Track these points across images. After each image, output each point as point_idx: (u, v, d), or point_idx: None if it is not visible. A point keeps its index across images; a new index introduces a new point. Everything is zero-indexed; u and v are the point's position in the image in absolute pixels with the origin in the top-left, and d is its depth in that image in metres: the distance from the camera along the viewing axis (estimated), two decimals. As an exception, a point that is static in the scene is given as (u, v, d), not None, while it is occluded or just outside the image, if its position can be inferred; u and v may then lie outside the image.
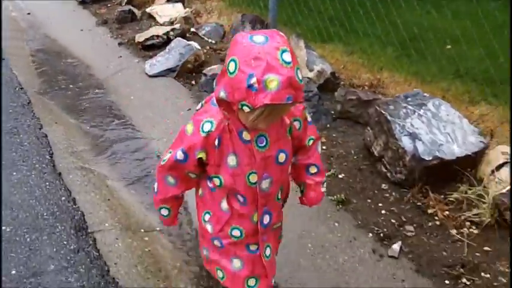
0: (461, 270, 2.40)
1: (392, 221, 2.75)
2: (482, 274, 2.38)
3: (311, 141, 1.73)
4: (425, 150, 2.87)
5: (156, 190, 1.76)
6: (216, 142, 1.54)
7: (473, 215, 2.65)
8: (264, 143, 1.56)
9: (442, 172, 2.86)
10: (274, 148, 1.58)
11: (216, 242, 1.75)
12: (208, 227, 1.74)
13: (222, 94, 1.40)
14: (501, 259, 2.44)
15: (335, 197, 2.90)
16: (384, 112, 3.15)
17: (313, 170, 1.79)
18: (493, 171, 2.74)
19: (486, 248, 2.52)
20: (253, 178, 1.59)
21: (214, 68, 4.40)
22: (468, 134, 2.96)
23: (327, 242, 2.60)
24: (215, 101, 1.49)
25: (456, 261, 2.46)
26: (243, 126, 1.52)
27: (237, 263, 1.75)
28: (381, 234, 2.63)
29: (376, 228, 2.68)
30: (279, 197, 1.70)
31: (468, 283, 2.33)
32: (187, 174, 1.67)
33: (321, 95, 3.85)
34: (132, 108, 4.10)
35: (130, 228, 2.73)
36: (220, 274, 1.80)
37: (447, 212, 2.74)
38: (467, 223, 2.67)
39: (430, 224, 2.71)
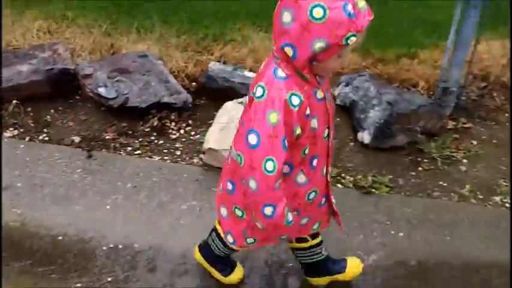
0: None
1: None
2: None
3: None
4: None
5: (272, 212, 1.50)
6: (308, 111, 1.45)
7: None
8: (329, 96, 1.58)
9: None
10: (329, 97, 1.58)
11: (291, 215, 1.60)
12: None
13: (320, 44, 1.30)
14: None
15: None
16: None
17: None
18: None
19: None
20: (326, 132, 1.59)
21: None
22: None
23: None
24: (281, 74, 1.41)
25: None
26: (316, 85, 1.48)
27: (303, 220, 1.76)
28: None
29: None
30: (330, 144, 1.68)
31: None
32: None
33: None
34: None
35: None
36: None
37: None
38: None
39: None
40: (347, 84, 3.29)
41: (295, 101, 1.40)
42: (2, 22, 3.74)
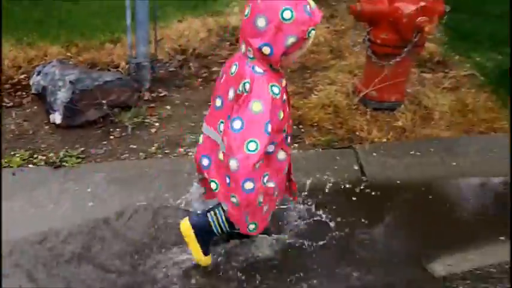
0: None
1: None
2: None
3: None
4: None
5: (252, 187, 1.72)
6: (284, 97, 1.77)
7: None
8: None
9: None
10: None
11: (276, 189, 1.93)
12: (271, 184, 1.89)
13: (291, 40, 1.63)
14: None
15: None
16: None
17: None
18: None
19: None
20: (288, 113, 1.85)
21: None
22: None
23: None
24: (259, 70, 1.69)
25: None
26: (282, 76, 1.78)
27: (276, 192, 1.96)
28: None
29: None
30: None
31: None
32: None
33: None
34: None
35: None
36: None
37: None
38: None
39: None
40: (38, 73, 3.44)
41: (276, 90, 1.70)
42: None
